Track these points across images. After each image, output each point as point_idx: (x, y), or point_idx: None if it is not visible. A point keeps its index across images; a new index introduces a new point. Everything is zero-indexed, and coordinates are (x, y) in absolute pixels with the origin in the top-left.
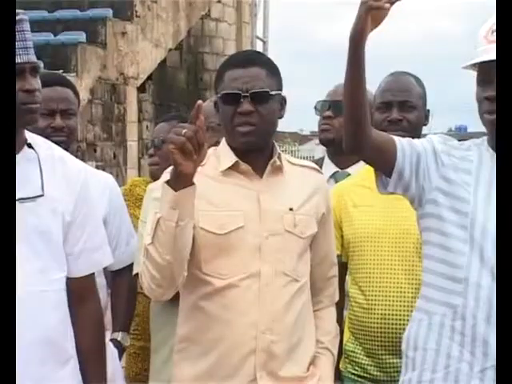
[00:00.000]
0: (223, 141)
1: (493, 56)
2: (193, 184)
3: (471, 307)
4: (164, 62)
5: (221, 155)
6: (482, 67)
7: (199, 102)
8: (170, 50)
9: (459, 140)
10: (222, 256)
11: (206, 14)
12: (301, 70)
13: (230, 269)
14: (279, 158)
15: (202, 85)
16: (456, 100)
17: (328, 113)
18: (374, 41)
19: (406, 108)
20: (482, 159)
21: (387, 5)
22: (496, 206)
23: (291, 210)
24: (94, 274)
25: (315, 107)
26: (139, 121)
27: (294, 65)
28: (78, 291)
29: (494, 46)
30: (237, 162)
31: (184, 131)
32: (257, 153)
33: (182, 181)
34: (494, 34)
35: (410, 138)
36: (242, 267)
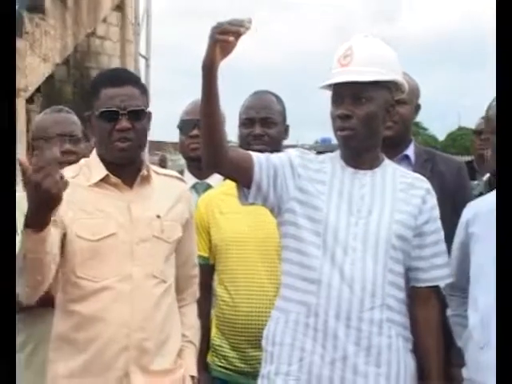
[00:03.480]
0: (93, 153)
1: (343, 79)
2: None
3: (323, 305)
4: (52, 76)
5: (91, 167)
6: (335, 88)
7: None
8: (58, 64)
9: (324, 151)
10: (95, 260)
11: (91, 32)
12: (182, 84)
13: (103, 273)
14: (147, 169)
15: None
16: (322, 114)
17: (195, 132)
18: (241, 60)
19: (267, 124)
20: (335, 171)
21: (231, 38)
22: (496, 214)
23: (158, 217)
24: None
25: (178, 126)
26: (27, 131)
27: (175, 80)
28: None
29: (346, 69)
30: (107, 175)
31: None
32: (128, 166)
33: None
34: (347, 58)
35: (269, 153)
36: (114, 271)
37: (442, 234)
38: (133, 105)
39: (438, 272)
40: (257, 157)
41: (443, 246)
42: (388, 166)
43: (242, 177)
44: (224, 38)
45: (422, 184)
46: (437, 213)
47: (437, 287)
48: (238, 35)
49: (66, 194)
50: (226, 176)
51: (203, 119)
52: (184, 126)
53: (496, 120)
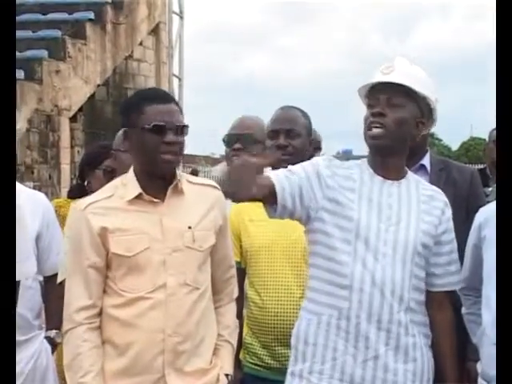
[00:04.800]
0: (131, 169)
1: (385, 79)
2: None
3: (355, 309)
4: (93, 96)
5: (128, 184)
6: (372, 93)
7: None
8: (99, 85)
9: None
10: (132, 274)
11: (129, 55)
12: (212, 102)
13: (140, 284)
14: (178, 181)
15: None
16: (344, 127)
17: (237, 145)
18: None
19: (291, 135)
20: (363, 178)
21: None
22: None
23: (190, 228)
24: None
25: (223, 140)
26: (71, 147)
27: (206, 97)
28: None
29: (387, 76)
30: (141, 193)
31: None
32: (162, 179)
33: None
34: (389, 68)
35: (291, 167)
36: (149, 282)
37: (455, 244)
38: (178, 120)
39: (451, 278)
40: (276, 178)
41: (456, 255)
42: (411, 178)
43: (267, 200)
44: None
45: (441, 197)
46: (452, 224)
47: (450, 291)
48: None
49: (102, 220)
50: (252, 201)
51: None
52: (228, 139)
53: (496, 128)
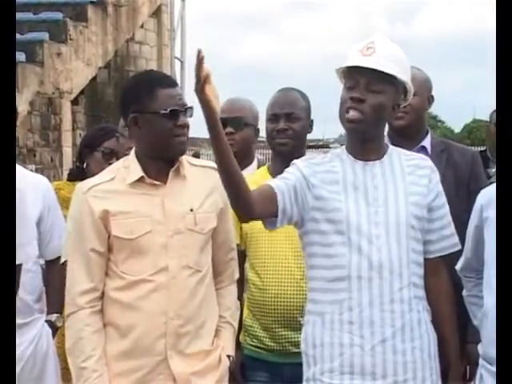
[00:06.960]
0: (132, 153)
1: (369, 65)
2: None
3: (356, 297)
4: (94, 78)
5: (130, 167)
6: (352, 74)
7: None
8: (100, 68)
9: None
10: (134, 257)
11: (130, 37)
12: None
13: (141, 267)
14: (179, 164)
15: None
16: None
17: (229, 129)
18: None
19: (291, 119)
20: (345, 167)
21: (210, 96)
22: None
23: (192, 210)
24: None
25: None
26: (73, 129)
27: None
28: None
29: (368, 58)
30: (142, 177)
31: None
32: (164, 162)
33: None
34: (370, 49)
35: (285, 175)
36: (151, 265)
37: (447, 207)
38: (186, 103)
39: (446, 242)
40: (276, 185)
41: (449, 218)
42: (393, 152)
43: (270, 211)
44: (205, 98)
45: (426, 163)
46: (441, 187)
47: (444, 257)
48: (204, 81)
49: (103, 203)
50: (260, 218)
51: (222, 177)
52: None
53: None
